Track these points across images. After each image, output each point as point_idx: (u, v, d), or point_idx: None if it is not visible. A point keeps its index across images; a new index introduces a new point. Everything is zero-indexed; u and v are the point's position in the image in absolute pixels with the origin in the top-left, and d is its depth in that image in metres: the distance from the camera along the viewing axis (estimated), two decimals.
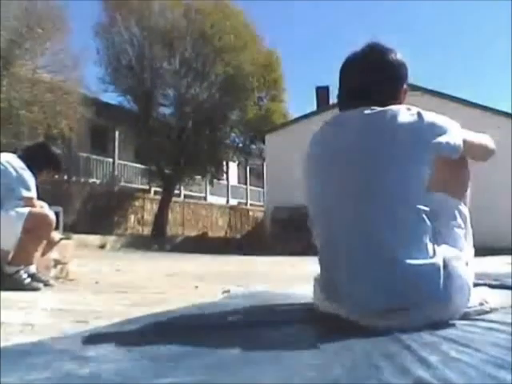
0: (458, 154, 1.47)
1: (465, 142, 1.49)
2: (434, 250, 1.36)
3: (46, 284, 2.92)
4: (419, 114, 1.44)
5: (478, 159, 1.66)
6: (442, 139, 1.42)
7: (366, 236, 1.37)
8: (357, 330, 1.32)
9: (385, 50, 1.53)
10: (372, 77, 1.51)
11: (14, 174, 2.93)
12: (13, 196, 2.93)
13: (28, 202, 2.96)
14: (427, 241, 1.36)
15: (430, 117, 1.45)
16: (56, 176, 3.49)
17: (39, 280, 2.88)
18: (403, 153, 1.40)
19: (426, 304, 1.35)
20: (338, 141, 1.48)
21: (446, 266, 1.35)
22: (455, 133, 1.47)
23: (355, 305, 1.38)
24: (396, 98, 1.52)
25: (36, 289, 2.76)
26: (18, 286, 2.72)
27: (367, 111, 1.44)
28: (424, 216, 1.38)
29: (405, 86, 1.58)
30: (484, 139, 1.64)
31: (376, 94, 1.48)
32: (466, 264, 1.45)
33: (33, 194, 2.98)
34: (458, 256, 1.42)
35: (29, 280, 2.81)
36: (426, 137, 1.41)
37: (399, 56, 1.54)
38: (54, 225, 3.02)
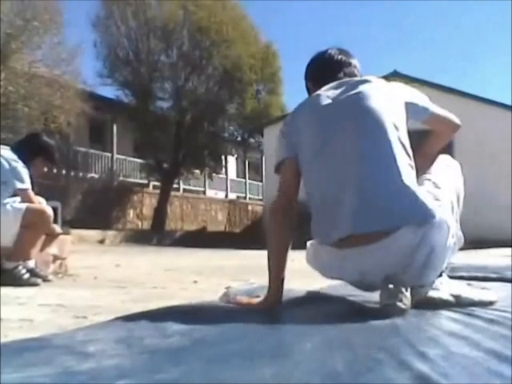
0: (425, 116, 1.72)
1: (432, 112, 1.73)
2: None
3: (45, 279, 2.91)
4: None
5: (445, 133, 1.88)
6: (414, 100, 1.71)
7: (371, 167, 1.56)
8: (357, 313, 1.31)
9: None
10: (346, 63, 1.83)
11: (7, 166, 2.90)
12: (6, 189, 2.91)
13: (23, 194, 2.93)
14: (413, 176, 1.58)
15: (402, 84, 1.80)
16: (50, 166, 3.38)
17: (38, 275, 2.87)
18: (387, 101, 1.65)
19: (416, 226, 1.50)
20: (334, 97, 1.69)
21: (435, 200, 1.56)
22: (424, 100, 1.74)
23: (358, 222, 1.52)
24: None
25: (35, 284, 2.75)
26: (17, 282, 2.71)
27: (351, 79, 1.73)
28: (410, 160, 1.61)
29: None
30: (449, 114, 1.82)
31: (350, 73, 1.81)
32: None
33: (27, 185, 2.95)
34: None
35: (27, 275, 2.80)
36: (402, 95, 1.71)
37: None
38: (51, 220, 3.01)
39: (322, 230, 1.63)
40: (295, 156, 1.68)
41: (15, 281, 2.71)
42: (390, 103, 1.65)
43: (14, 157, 2.95)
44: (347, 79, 1.75)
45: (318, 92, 1.73)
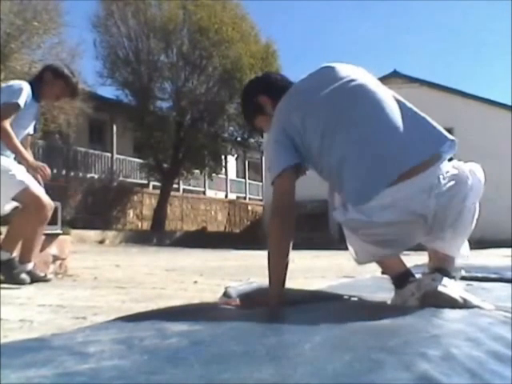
0: None
1: None
2: None
3: (45, 280, 2.90)
4: None
5: None
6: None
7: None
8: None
9: None
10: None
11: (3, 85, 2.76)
12: None
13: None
14: None
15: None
16: (72, 95, 3.05)
17: (35, 277, 2.84)
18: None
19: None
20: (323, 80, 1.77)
21: None
22: None
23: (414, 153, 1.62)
24: None
25: (23, 282, 2.64)
26: (7, 276, 2.63)
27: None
28: None
29: None
30: None
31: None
32: None
33: (14, 99, 2.69)
34: None
35: (18, 270, 2.70)
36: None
37: None
38: (47, 210, 2.80)
39: (369, 180, 1.62)
40: (295, 164, 1.71)
41: (6, 275, 2.63)
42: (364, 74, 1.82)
43: (18, 81, 2.82)
44: (307, 75, 1.83)
45: (291, 94, 1.78)
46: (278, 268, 1.67)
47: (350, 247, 1.79)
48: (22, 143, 2.92)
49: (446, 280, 1.63)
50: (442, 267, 1.70)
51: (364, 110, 1.69)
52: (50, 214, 2.84)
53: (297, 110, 1.72)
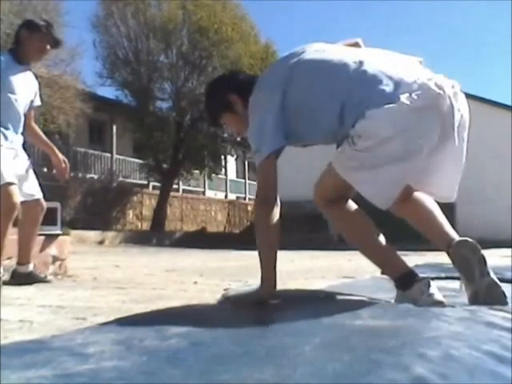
0: None
1: None
2: None
3: (45, 280, 2.90)
4: None
5: None
6: None
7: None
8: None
9: None
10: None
11: None
12: None
13: None
14: None
15: None
16: (52, 43, 2.86)
17: (38, 278, 2.84)
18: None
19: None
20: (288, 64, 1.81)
21: None
22: None
23: None
24: None
25: None
26: None
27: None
28: None
29: None
30: None
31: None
32: None
33: None
34: None
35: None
36: None
37: None
38: (15, 210, 2.68)
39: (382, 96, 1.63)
40: (282, 146, 1.79)
41: None
42: None
43: None
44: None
45: (263, 82, 1.83)
46: (268, 252, 1.75)
47: (369, 189, 1.64)
48: (25, 115, 2.90)
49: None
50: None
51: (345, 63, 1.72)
52: (15, 208, 2.69)
53: (278, 86, 1.75)
